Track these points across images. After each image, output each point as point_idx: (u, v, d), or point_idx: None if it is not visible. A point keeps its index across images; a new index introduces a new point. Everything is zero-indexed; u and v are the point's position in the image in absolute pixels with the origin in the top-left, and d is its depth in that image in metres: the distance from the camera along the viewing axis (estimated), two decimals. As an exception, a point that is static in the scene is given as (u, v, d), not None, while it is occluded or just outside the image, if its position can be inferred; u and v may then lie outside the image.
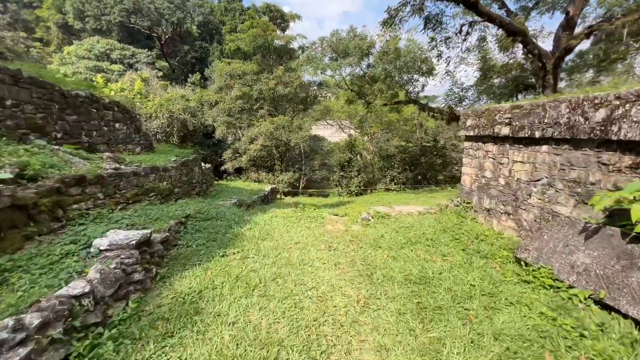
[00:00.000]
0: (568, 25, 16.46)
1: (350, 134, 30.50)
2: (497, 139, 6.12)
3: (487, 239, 5.70)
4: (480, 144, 6.66)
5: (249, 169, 24.56)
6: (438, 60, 18.61)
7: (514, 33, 16.28)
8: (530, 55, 17.26)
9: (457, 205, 7.29)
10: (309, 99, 27.49)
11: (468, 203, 7.02)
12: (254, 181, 22.27)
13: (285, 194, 24.11)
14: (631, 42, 18.10)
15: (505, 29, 16.30)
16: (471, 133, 6.79)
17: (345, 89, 23.86)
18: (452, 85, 21.02)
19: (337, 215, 8.23)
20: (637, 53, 18.01)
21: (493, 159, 6.26)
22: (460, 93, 21.23)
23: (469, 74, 22.43)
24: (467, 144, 7.21)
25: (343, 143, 26.31)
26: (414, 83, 21.77)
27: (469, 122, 6.90)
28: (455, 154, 26.53)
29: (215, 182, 15.87)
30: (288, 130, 23.37)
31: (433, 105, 23.24)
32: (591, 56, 20.41)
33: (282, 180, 23.33)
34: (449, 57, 18.34)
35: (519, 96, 23.46)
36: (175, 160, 9.15)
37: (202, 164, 13.29)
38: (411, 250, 5.36)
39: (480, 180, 6.67)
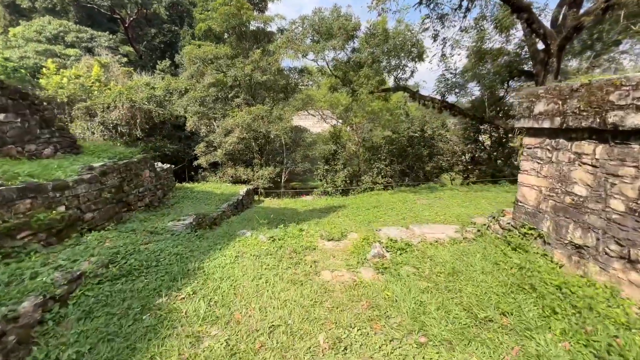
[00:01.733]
0: (575, 1, 14.12)
1: (333, 125, 27.69)
2: (606, 134, 3.51)
3: (598, 306, 3.14)
4: (562, 141, 4.04)
5: (225, 163, 21.37)
6: (434, 41, 15.92)
7: (520, 9, 13.75)
8: (534, 36, 14.87)
9: (509, 230, 4.71)
10: (290, 87, 24.34)
11: (532, 229, 4.44)
12: (230, 180, 19.17)
13: (267, 191, 21.20)
14: (629, 24, 16.02)
15: (510, 4, 13.77)
16: (545, 124, 4.16)
17: (329, 74, 20.86)
18: (445, 70, 18.46)
19: (332, 239, 5.52)
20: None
21: (594, 166, 3.66)
22: (453, 79, 18.72)
23: (463, 59, 20.32)
24: (530, 140, 4.58)
25: (327, 134, 23.50)
26: (403, 69, 19.04)
27: (540, 107, 4.26)
28: (443, 145, 24.25)
29: (182, 184, 12.79)
30: (267, 120, 20.26)
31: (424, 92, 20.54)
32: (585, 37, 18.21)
33: (262, 175, 20.34)
34: (445, 38, 15.64)
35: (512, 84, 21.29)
36: (101, 166, 6.10)
37: (160, 164, 10.19)
38: (487, 345, 2.72)
39: (560, 198, 4.08)
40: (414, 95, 18.93)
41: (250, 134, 20.41)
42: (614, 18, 15.13)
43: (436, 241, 4.94)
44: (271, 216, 8.48)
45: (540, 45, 16.94)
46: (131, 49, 29.50)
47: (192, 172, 22.65)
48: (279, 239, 5.29)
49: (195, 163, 20.93)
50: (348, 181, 21.66)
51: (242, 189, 11.73)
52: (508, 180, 16.25)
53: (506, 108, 22.04)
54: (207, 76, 22.16)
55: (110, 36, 27.52)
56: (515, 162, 23.85)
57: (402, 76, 19.56)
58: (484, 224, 5.19)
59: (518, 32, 17.34)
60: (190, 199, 9.75)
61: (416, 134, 23.35)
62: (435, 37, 15.65)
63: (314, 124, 33.01)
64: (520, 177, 4.73)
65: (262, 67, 20.60)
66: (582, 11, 13.97)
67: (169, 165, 10.20)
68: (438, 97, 19.03)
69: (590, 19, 12.63)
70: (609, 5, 12.04)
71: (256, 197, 14.81)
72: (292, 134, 23.62)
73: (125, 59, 27.16)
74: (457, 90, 19.34)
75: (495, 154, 22.98)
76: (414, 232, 5.39)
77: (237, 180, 21.04)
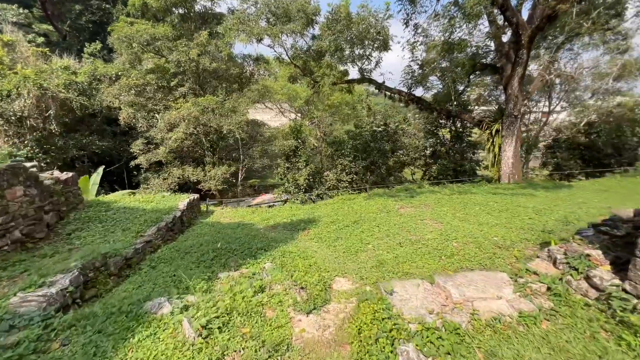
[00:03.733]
0: (546, -11, 12.96)
1: (292, 119, 25.06)
2: None
3: None
4: None
5: (170, 163, 17.87)
6: (405, 27, 13.97)
7: (495, -7, 12.29)
8: (507, 25, 13.58)
9: (612, 296, 2.71)
10: (244, 77, 21.20)
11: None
12: (170, 188, 15.85)
13: (221, 194, 18.16)
14: (582, 22, 15.48)
15: (484, -12, 12.20)
16: None
17: (288, 63, 18.18)
18: (412, 61, 16.73)
19: (313, 309, 3.24)
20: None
21: None
22: (419, 71, 17.08)
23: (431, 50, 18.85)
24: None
25: (287, 129, 20.88)
26: (368, 58, 16.97)
27: None
28: (405, 139, 22.86)
29: (98, 198, 9.51)
30: (219, 114, 17.11)
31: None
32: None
33: (214, 175, 17.26)
34: (416, 24, 13.77)
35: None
36: None
37: (56, 173, 6.94)
38: None
39: None
40: (380, 87, 17.04)
41: (200, 129, 17.15)
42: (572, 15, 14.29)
43: (497, 319, 2.79)
44: (218, 245, 5.84)
45: (506, 38, 15.90)
46: (50, 27, 23.91)
47: (135, 172, 18.75)
48: (219, 328, 2.77)
49: (133, 163, 17.12)
50: (311, 179, 19.37)
51: (183, 200, 8.82)
52: (482, 178, 15.10)
53: (464, 101, 21.20)
54: (146, 62, 18.25)
55: (21, 10, 21.84)
56: (474, 157, 23.37)
57: (367, 67, 17.53)
58: (551, 275, 3.17)
59: (484, 27, 16.10)
60: (103, 221, 6.72)
61: (379, 129, 21.64)
62: (407, 23, 13.72)
63: (272, 117, 30.08)
64: None
65: (210, 53, 17.28)
66: None
67: (71, 174, 6.98)
68: (405, 89, 17.31)
69: (566, 7, 11.43)
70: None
71: (208, 206, 11.85)
72: (249, 129, 20.61)
73: (41, 39, 21.80)
74: (424, 83, 17.78)
75: (456, 147, 22.17)
76: (449, 293, 3.22)
77: (185, 183, 17.69)
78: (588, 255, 3.10)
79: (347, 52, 17.24)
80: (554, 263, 3.36)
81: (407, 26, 13.73)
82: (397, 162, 22.35)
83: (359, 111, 26.35)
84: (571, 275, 3.04)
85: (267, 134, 24.08)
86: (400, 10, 13.90)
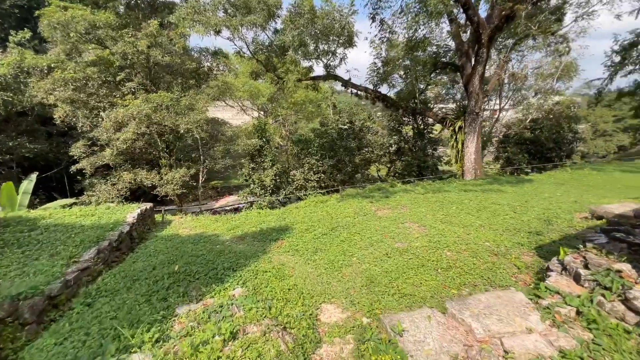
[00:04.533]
0: (503, -9, 13.22)
1: (255, 117, 23.77)
2: None
3: None
4: None
5: (120, 166, 15.89)
6: (372, 21, 13.49)
7: (458, -9, 12.23)
8: (469, 23, 13.69)
9: None
10: (202, 72, 19.54)
11: None
12: (120, 195, 14.08)
13: (181, 198, 16.58)
14: (529, 25, 16.25)
15: (448, -15, 12.08)
16: None
17: (249, 57, 16.98)
18: (377, 58, 16.40)
19: None
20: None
21: None
22: (385, 69, 16.83)
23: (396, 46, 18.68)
24: None
25: (250, 127, 19.66)
26: (334, 55, 16.36)
27: None
28: (371, 137, 22.69)
29: (27, 213, 7.87)
30: (174, 111, 15.47)
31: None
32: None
33: (172, 179, 15.63)
34: (382, 19, 13.36)
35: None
36: None
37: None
38: None
39: None
40: (346, 84, 16.53)
41: (153, 128, 15.37)
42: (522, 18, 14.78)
43: (538, 363, 2.22)
44: (175, 268, 4.81)
45: (466, 37, 16.15)
46: (-35, 11, 20.14)
47: (79, 178, 16.37)
48: None
49: (73, 168, 14.89)
50: (278, 179, 18.41)
51: (133, 212, 7.48)
52: (451, 175, 15.19)
53: (425, 99, 21.53)
54: (87, 54, 15.94)
55: None
56: (435, 153, 23.93)
57: (332, 63, 16.92)
58: (578, 296, 2.69)
59: (446, 26, 16.20)
60: (24, 245, 5.32)
61: (345, 127, 21.22)
62: (373, 17, 13.26)
63: (233, 115, 28.46)
64: None
65: (162, 45, 15.52)
66: None
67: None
68: (371, 87, 16.98)
69: (523, 7, 11.66)
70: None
71: (165, 216, 10.43)
72: (209, 127, 19.03)
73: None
74: (388, 81, 17.57)
75: (418, 144, 22.49)
76: (470, 327, 2.61)
77: (138, 188, 15.85)
78: (619, 271, 2.69)
79: (311, 48, 16.50)
80: (576, 279, 2.92)
81: (373, 20, 13.29)
82: (363, 159, 22.11)
83: (323, 109, 25.74)
84: (603, 295, 2.60)
85: (229, 132, 22.57)
86: (367, 4, 13.40)
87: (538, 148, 25.00)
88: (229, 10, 14.81)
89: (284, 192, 18.60)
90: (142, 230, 7.46)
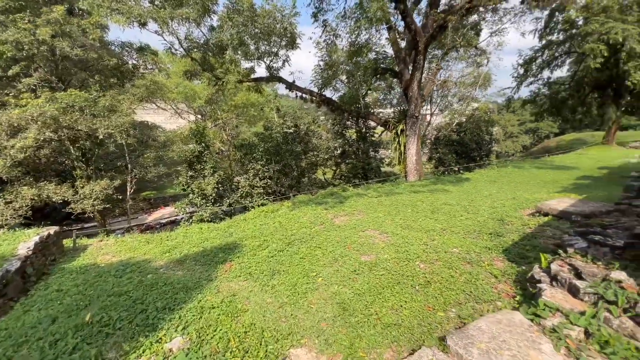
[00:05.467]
0: (435, 3, 13.95)
1: (192, 120, 21.64)
2: None
3: None
4: None
5: (18, 180, 12.80)
6: (315, 20, 13.03)
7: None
8: (407, 31, 14.09)
9: None
10: (125, 70, 17.01)
11: None
12: (19, 215, 11.38)
13: (103, 214, 14.14)
14: (455, 37, 17.66)
15: (388, -8, 12.23)
16: None
17: (183, 55, 15.28)
18: (321, 60, 16.07)
19: None
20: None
21: None
22: (328, 72, 16.59)
23: (340, 50, 18.36)
24: None
25: (187, 131, 17.77)
26: (277, 56, 15.57)
27: None
28: (316, 140, 22.37)
29: None
30: (91, 113, 13.03)
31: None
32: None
33: (90, 193, 13.12)
34: (325, 20, 12.99)
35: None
36: None
37: None
38: None
39: None
40: (291, 86, 15.85)
41: (63, 133, 12.70)
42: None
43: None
44: (86, 318, 3.55)
45: (403, 44, 16.74)
46: None
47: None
48: None
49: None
50: (220, 187, 16.89)
51: (28, 240, 5.67)
52: (397, 177, 15.43)
53: (366, 103, 22.03)
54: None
55: None
56: (378, 155, 24.64)
57: (275, 65, 16.11)
58: (581, 312, 2.39)
59: (385, 34, 16.53)
60: None
61: (290, 130, 20.52)
62: (316, 16, 12.80)
63: (166, 119, 25.66)
64: None
65: (72, 35, 12.97)
66: (440, 9, 13.89)
67: None
68: (315, 90, 16.58)
69: (455, 18, 12.34)
70: (474, 5, 11.94)
71: (77, 241, 8.37)
72: (136, 132, 16.60)
73: None
74: (332, 84, 17.38)
75: (361, 147, 22.87)
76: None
77: (44, 206, 13.01)
78: (618, 281, 2.47)
79: (252, 48, 15.48)
80: (572, 292, 2.65)
81: (316, 20, 12.87)
82: (310, 163, 21.68)
83: (267, 113, 24.68)
84: (609, 311, 2.33)
85: (162, 138, 20.14)
86: (310, 3, 12.90)
87: (463, 149, 27.38)
88: (156, 1, 13.04)
89: (228, 200, 17.16)
90: (42, 264, 5.73)
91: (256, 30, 14.73)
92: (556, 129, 43.71)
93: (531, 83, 25.89)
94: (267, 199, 17.82)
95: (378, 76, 19.59)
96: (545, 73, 25.08)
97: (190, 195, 15.78)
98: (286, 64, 16.21)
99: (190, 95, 26.02)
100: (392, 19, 15.27)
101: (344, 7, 12.67)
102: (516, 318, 2.51)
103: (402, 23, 13.62)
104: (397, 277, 4.00)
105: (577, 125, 38.31)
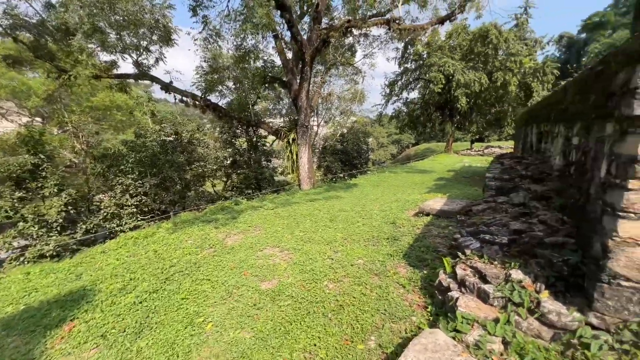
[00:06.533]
0: (317, 19, 14.49)
1: (25, 123, 16.00)
2: None
3: None
4: None
5: None
6: (193, 15, 11.46)
7: (283, 7, 12.26)
8: (293, 42, 14.03)
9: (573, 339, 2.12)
10: None
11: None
12: None
13: None
14: (336, 55, 19.15)
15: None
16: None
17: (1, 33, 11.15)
18: (204, 61, 14.41)
19: None
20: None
21: None
22: (214, 75, 15.05)
23: (225, 53, 16.44)
24: None
25: (13, 138, 13.09)
26: (148, 51, 13.13)
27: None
28: (202, 150, 20.14)
29: None
30: None
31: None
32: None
33: None
34: (206, 16, 11.56)
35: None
36: None
37: None
38: None
39: None
40: (168, 87, 13.63)
41: None
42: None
43: None
44: None
45: (290, 55, 16.78)
46: None
47: None
48: None
49: None
50: (72, 210, 12.98)
51: None
52: (291, 186, 15.01)
53: (255, 110, 21.26)
54: None
55: None
56: (270, 165, 24.06)
57: (146, 61, 13.57)
58: (495, 320, 2.31)
59: (272, 42, 16.20)
60: None
61: (170, 138, 17.71)
62: (194, 10, 11.26)
63: (-22, 121, 18.46)
64: (628, 227, 2.05)
65: None
66: (322, 26, 14.51)
67: None
68: (199, 93, 14.73)
69: (337, 34, 13.02)
70: (351, 26, 12.82)
71: None
72: None
73: None
74: (218, 89, 15.84)
75: (253, 156, 21.86)
76: None
77: None
78: (519, 281, 2.49)
79: (113, 38, 12.58)
80: (482, 297, 2.58)
81: (195, 14, 11.31)
82: (196, 175, 19.25)
83: (139, 118, 20.76)
84: (518, 314, 2.29)
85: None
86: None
87: (347, 157, 29.79)
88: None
89: (85, 226, 13.36)
90: None
91: (117, 17, 12.02)
92: (413, 140, 53.16)
93: (395, 102, 30.49)
94: (142, 219, 14.69)
95: (267, 85, 19.14)
96: (405, 94, 29.99)
97: (21, 223, 11.49)
98: (161, 61, 13.87)
99: (20, 91, 19.42)
100: (278, 28, 15.10)
101: (227, 6, 11.65)
102: (440, 339, 2.22)
103: (289, 33, 13.53)
104: (306, 305, 3.38)
105: (427, 137, 47.65)
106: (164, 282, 4.46)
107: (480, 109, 26.53)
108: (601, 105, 2.24)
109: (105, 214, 13.82)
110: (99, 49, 12.63)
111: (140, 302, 3.98)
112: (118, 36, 12.73)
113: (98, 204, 14.97)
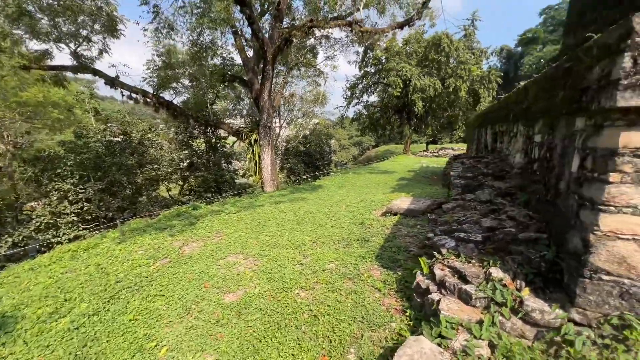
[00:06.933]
0: (279, 17, 14.14)
1: None
2: None
3: None
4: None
5: None
6: (142, 3, 10.43)
7: (242, 2, 11.71)
8: (255, 39, 13.46)
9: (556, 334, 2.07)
10: None
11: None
12: None
13: None
14: (298, 56, 18.99)
15: (232, -7, 11.28)
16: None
17: None
18: (156, 55, 13.26)
19: None
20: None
21: None
22: (168, 71, 13.92)
23: (180, 48, 15.25)
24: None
25: None
26: (89, 41, 11.75)
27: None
28: (155, 151, 18.60)
29: None
30: None
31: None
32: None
33: None
34: (157, 5, 10.59)
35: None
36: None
37: None
38: None
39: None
40: (113, 82, 12.33)
41: None
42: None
43: None
44: None
45: (251, 53, 16.17)
46: None
47: None
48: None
49: None
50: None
51: None
52: (254, 188, 14.37)
53: (214, 110, 20.24)
54: None
55: None
56: (231, 167, 23.02)
57: (88, 53, 12.14)
58: (480, 323, 2.21)
59: (232, 39, 15.49)
60: None
61: (118, 139, 16.05)
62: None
63: None
64: (609, 220, 1.97)
65: None
66: (284, 25, 14.20)
67: None
68: (150, 90, 13.52)
69: (299, 33, 12.80)
70: (313, 26, 12.65)
71: None
72: None
73: None
74: (173, 86, 14.68)
75: (212, 158, 20.71)
76: None
77: None
78: (500, 279, 2.42)
79: (45, 24, 11.05)
80: (463, 299, 2.47)
81: (144, 2, 10.30)
82: (148, 178, 17.69)
83: (80, 116, 18.58)
84: (502, 314, 2.20)
85: None
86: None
87: (310, 159, 29.64)
88: None
89: (12, 239, 11.59)
90: None
91: (50, 0, 10.56)
92: (373, 142, 54.72)
93: (355, 104, 31.04)
94: (85, 228, 13.07)
95: (226, 83, 18.29)
96: (365, 97, 30.66)
97: None
98: (105, 53, 12.49)
99: None
100: (237, 24, 14.47)
101: (182, -2, 10.77)
102: (426, 347, 2.06)
103: (249, 30, 13.00)
104: (277, 318, 3.04)
105: (386, 140, 49.31)
106: (108, 301, 3.82)
107: (435, 112, 28.01)
108: (573, 100, 2.24)
109: (38, 224, 12.06)
110: (27, 36, 11.00)
111: (77, 328, 3.33)
112: (51, 22, 11.21)
113: (29, 212, 13.05)
